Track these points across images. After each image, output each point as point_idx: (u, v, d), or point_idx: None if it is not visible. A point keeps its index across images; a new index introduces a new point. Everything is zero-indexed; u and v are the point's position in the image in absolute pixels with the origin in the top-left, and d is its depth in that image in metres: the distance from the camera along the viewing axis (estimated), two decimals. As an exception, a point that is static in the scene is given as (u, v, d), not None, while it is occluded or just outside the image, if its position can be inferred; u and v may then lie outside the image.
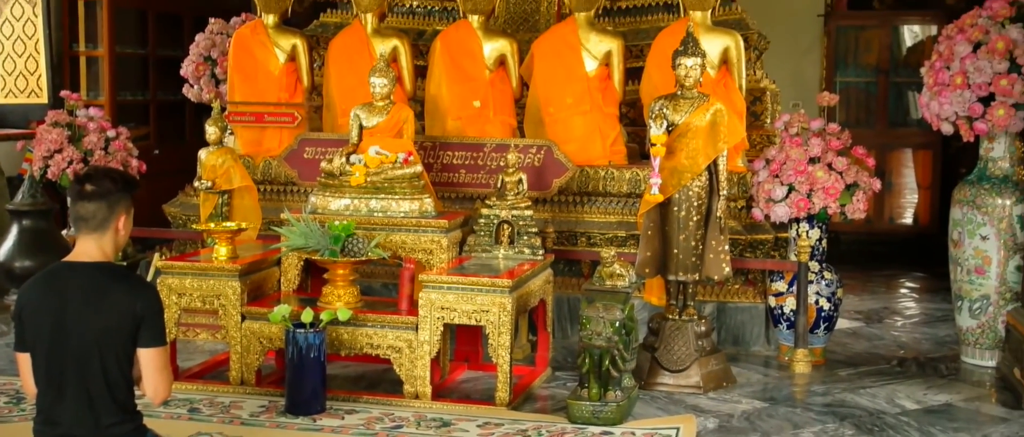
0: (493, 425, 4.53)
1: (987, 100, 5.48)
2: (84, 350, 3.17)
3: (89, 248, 3.27)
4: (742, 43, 6.02)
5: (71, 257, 3.30)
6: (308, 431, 4.48)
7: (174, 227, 6.56)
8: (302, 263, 5.18)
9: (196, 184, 5.76)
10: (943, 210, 7.07)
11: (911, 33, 9.36)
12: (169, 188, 6.87)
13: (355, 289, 4.91)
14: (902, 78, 9.19)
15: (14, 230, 6.30)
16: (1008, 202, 5.61)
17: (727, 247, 5.19)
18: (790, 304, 5.58)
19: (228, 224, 5.29)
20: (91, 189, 3.26)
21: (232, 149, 5.91)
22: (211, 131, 5.71)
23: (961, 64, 5.49)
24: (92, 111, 6.75)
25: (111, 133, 6.68)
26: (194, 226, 5.85)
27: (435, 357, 4.78)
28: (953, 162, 8.95)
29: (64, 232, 6.32)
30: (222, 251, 5.03)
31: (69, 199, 3.35)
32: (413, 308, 4.81)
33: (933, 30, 8.97)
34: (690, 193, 5.06)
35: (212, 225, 5.31)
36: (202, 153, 5.74)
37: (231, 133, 6.47)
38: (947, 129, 5.71)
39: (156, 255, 4.80)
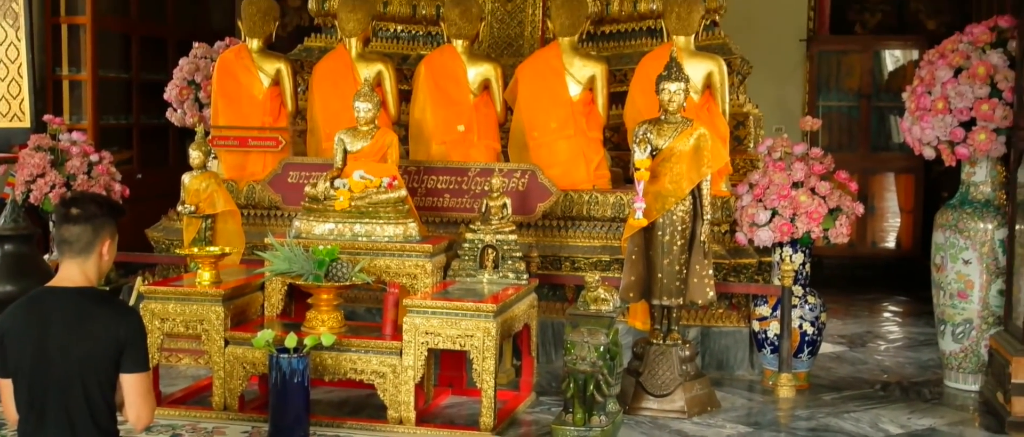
0: (477, 450, 4.52)
1: (968, 125, 5.51)
2: (66, 376, 3.15)
3: (72, 273, 3.26)
4: (725, 68, 6.05)
5: (54, 282, 3.29)
6: (291, 457, 4.46)
7: (157, 252, 6.53)
8: (286, 288, 5.16)
9: (179, 208, 5.74)
10: (926, 234, 7.10)
11: (892, 58, 9.43)
12: (152, 212, 6.84)
13: (339, 314, 4.89)
14: (884, 102, 9.24)
15: (-4, 254, 6.27)
16: (990, 226, 5.63)
17: (711, 271, 5.20)
18: (774, 328, 5.59)
19: (211, 249, 5.27)
20: (77, 213, 3.26)
21: (216, 173, 5.90)
22: (195, 155, 5.70)
23: (942, 89, 5.53)
24: (75, 135, 6.73)
25: (94, 157, 6.66)
26: (177, 251, 5.83)
27: (419, 382, 4.76)
28: (935, 186, 9.00)
29: (46, 257, 6.29)
30: (205, 276, 5.02)
31: (54, 222, 3.36)
32: (397, 333, 4.80)
33: (914, 55, 9.04)
34: (674, 217, 5.07)
35: (195, 249, 5.30)
36: (186, 177, 5.72)
37: (215, 157, 6.46)
38: (929, 153, 5.74)
39: (138, 280, 4.78)
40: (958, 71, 5.55)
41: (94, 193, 3.40)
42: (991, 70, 5.46)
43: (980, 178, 5.74)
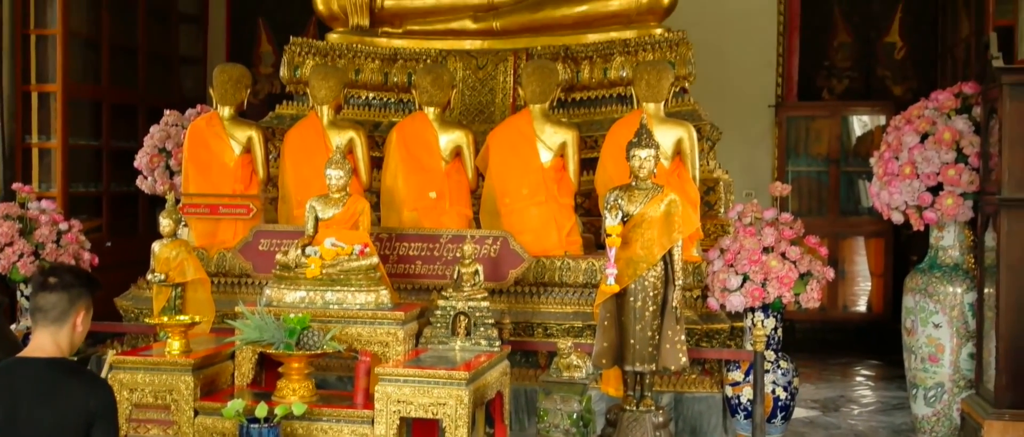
0: (450, 520, 4.46)
1: (936, 189, 5.57)
2: (35, 447, 3.11)
3: (44, 342, 3.23)
4: (695, 134, 6.10)
5: (26, 352, 3.26)
6: (261, 529, 4.39)
7: (126, 321, 6.48)
8: (256, 357, 5.12)
9: (149, 277, 5.70)
10: (896, 297, 7.14)
11: (860, 123, 9.53)
12: (121, 281, 6.79)
13: (310, 383, 4.85)
14: (852, 167, 9.33)
15: (-39, 324, 6.19)
16: (959, 290, 5.67)
17: (683, 337, 5.20)
18: (747, 394, 5.58)
19: (181, 318, 5.22)
20: (54, 281, 3.27)
21: (186, 241, 5.86)
22: (165, 223, 5.67)
23: (910, 154, 5.59)
24: (44, 203, 6.69)
25: (63, 226, 6.62)
26: (147, 320, 5.77)
27: (391, 451, 4.71)
28: (905, 250, 9.06)
29: (13, 327, 6.22)
30: (175, 345, 4.97)
31: (31, 291, 3.36)
32: (369, 401, 4.75)
33: (882, 120, 9.14)
34: (646, 283, 5.07)
35: (165, 319, 5.25)
36: (156, 245, 5.69)
37: (185, 225, 6.43)
38: (897, 218, 5.79)
39: (110, 351, 4.73)
40: (925, 137, 5.62)
41: (71, 265, 3.44)
42: (957, 135, 5.53)
43: (948, 242, 5.79)
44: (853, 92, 9.72)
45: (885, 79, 9.67)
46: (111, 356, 4.33)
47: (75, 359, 5.33)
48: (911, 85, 9.43)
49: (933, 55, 9.31)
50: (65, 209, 7.47)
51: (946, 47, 8.88)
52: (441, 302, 5.25)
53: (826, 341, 9.06)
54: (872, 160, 5.94)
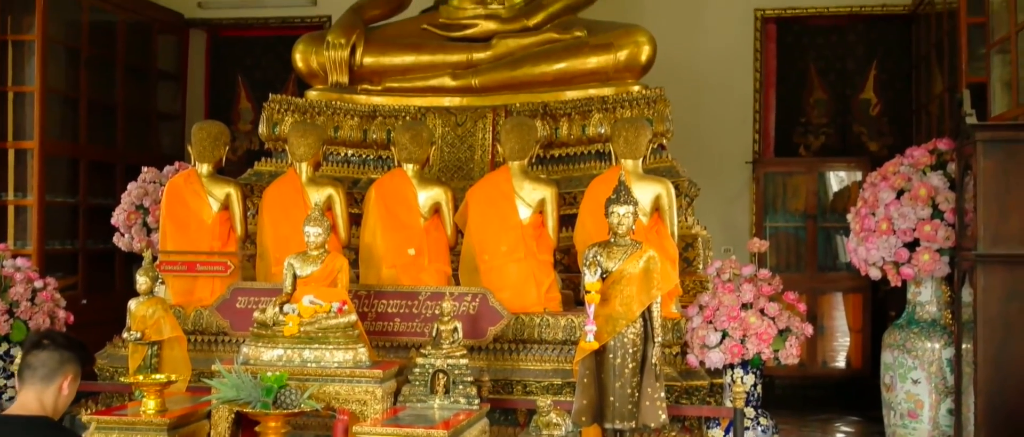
0: None
1: (912, 245, 5.60)
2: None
3: (29, 401, 3.26)
4: (673, 190, 6.12)
5: (10, 410, 3.30)
6: None
7: (101, 380, 6.41)
8: (233, 416, 5.06)
9: (125, 335, 5.65)
10: (875, 353, 7.14)
11: (837, 179, 9.58)
12: (97, 339, 6.72)
13: (287, 442, 4.81)
14: (830, 223, 9.36)
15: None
16: (937, 346, 5.69)
17: (663, 394, 5.18)
18: (727, 451, 5.56)
19: (157, 376, 5.18)
20: (47, 342, 3.38)
21: (163, 299, 5.83)
22: (142, 281, 5.64)
23: (886, 211, 5.63)
24: (19, 261, 6.64)
25: (38, 284, 6.57)
26: (122, 379, 5.72)
27: (369, 511, 4.66)
28: (882, 305, 9.08)
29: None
30: (151, 404, 4.92)
31: (23, 351, 3.50)
32: (347, 461, 4.72)
33: (858, 175, 9.19)
34: (625, 340, 5.06)
35: (141, 377, 5.20)
36: (132, 303, 5.65)
37: (162, 283, 6.39)
38: (875, 274, 5.82)
39: (83, 411, 4.69)
40: (900, 193, 5.66)
41: (67, 333, 3.59)
42: (932, 192, 5.58)
43: (926, 298, 5.81)
44: (829, 148, 9.79)
45: (861, 135, 9.74)
46: (84, 416, 4.28)
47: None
48: (887, 141, 9.50)
49: (908, 112, 9.40)
50: (40, 266, 7.41)
51: (920, 104, 8.98)
52: (420, 360, 5.22)
53: (806, 397, 9.04)
54: (849, 216, 5.98)
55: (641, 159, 6.18)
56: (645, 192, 5.97)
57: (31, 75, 8.17)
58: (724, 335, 5.55)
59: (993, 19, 6.62)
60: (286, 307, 5.28)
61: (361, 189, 6.78)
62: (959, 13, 7.29)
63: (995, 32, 6.59)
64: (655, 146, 6.60)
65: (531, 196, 6.18)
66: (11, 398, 6.19)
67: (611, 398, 5.10)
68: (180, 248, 6.45)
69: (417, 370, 5.19)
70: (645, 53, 7.19)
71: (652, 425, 5.23)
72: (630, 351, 5.08)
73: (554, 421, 4.68)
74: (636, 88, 7.03)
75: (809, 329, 5.70)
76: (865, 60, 9.69)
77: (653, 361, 5.12)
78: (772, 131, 9.67)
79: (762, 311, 5.55)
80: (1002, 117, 6.32)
